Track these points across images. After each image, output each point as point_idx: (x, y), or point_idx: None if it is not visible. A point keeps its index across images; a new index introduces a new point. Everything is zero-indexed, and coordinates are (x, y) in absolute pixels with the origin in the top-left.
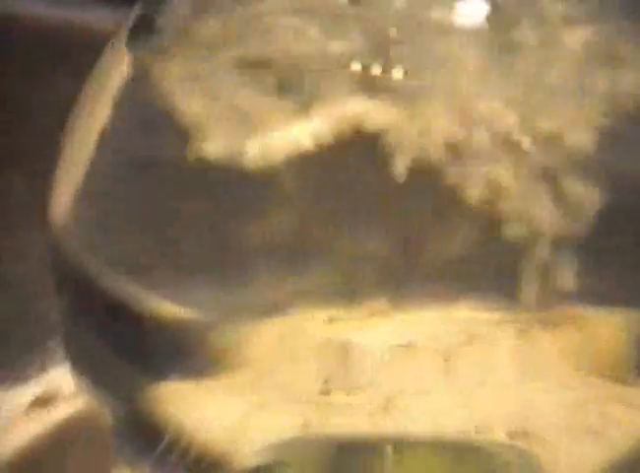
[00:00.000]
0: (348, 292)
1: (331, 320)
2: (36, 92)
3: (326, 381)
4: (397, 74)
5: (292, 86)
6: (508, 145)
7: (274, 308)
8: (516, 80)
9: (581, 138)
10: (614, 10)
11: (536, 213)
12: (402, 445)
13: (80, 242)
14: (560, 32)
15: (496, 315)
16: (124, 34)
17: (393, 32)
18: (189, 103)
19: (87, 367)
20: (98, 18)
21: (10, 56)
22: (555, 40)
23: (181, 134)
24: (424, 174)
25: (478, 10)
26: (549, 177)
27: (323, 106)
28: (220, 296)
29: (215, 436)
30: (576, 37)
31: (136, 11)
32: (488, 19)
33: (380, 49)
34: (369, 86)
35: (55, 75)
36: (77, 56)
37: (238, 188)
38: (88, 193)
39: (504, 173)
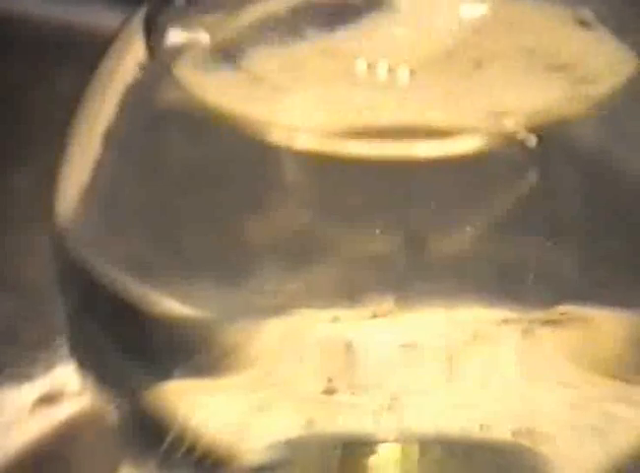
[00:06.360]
0: (352, 291)
1: (335, 320)
2: (39, 90)
3: (330, 381)
4: (402, 73)
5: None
6: None
7: (278, 307)
8: None
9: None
10: None
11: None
12: (406, 445)
13: (85, 241)
14: None
15: (500, 315)
16: (138, 22)
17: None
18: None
19: (92, 365)
20: (99, 16)
21: (12, 55)
22: None
23: (189, 131)
24: (429, 173)
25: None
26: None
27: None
28: (224, 294)
29: (220, 433)
30: None
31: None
32: None
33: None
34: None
35: (57, 73)
36: (78, 55)
37: (243, 188)
38: (93, 192)
39: None
